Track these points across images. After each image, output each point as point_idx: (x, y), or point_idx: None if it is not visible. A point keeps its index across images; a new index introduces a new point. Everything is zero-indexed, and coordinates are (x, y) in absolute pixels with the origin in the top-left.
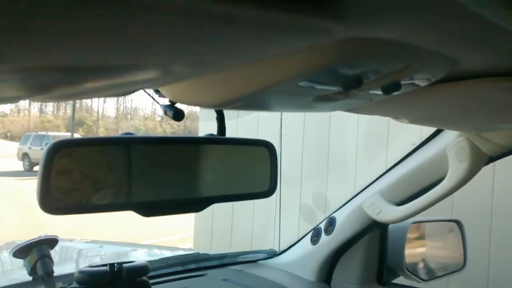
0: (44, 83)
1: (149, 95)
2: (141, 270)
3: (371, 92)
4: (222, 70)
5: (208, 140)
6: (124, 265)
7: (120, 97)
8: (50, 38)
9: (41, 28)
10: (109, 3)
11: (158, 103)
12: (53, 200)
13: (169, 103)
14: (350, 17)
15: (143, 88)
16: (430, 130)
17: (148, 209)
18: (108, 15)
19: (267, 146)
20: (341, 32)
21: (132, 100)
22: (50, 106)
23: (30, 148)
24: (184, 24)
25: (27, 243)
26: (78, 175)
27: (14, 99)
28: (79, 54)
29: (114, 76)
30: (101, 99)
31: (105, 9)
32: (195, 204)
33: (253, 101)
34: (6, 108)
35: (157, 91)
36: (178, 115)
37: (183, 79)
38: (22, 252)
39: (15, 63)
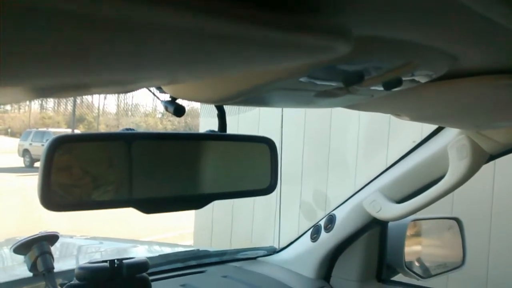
0: (46, 89)
1: (150, 91)
2: (141, 266)
3: (372, 88)
4: None
5: (209, 136)
6: (124, 261)
7: (120, 95)
8: (54, 61)
9: (44, 51)
10: (112, 26)
11: (159, 99)
12: (54, 196)
13: (170, 99)
14: (354, 32)
15: (145, 87)
16: (431, 128)
17: (149, 206)
18: (110, 37)
19: (268, 143)
20: (345, 50)
21: (133, 97)
22: (50, 103)
23: (31, 144)
24: (187, 44)
25: (27, 239)
26: (79, 171)
27: (14, 102)
28: (80, 73)
29: (115, 89)
30: (102, 96)
31: (108, 32)
32: (195, 201)
33: (254, 96)
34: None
35: (158, 87)
36: (179, 111)
37: (184, 81)
38: (22, 248)
39: (16, 83)
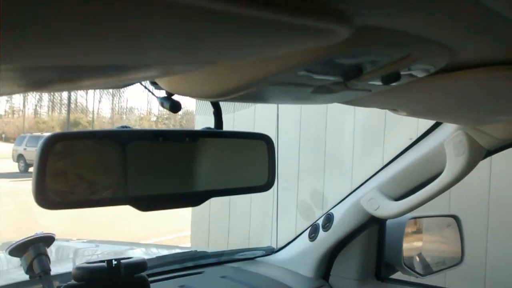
0: (41, 80)
1: (145, 87)
2: (139, 266)
3: (370, 82)
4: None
5: (206, 133)
6: (122, 261)
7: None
8: (48, 39)
9: (39, 29)
10: (107, 2)
11: (154, 95)
12: (49, 194)
13: (165, 95)
14: (353, 15)
15: (140, 81)
16: (427, 125)
17: (145, 203)
18: (106, 15)
19: (265, 139)
20: (345, 33)
21: (127, 100)
22: (45, 107)
23: (25, 149)
24: (185, 23)
25: (23, 241)
26: (73, 169)
27: (10, 93)
28: (76, 54)
29: (112, 75)
30: (96, 99)
31: (103, 9)
32: (192, 198)
33: (251, 92)
34: (0, 109)
35: (153, 83)
36: (174, 107)
37: (181, 74)
38: (18, 250)
39: (13, 62)
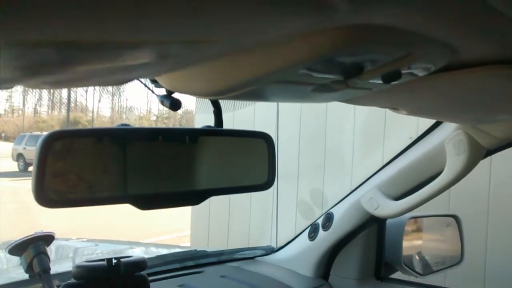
0: (38, 62)
1: (145, 85)
2: (139, 265)
3: (371, 81)
4: (220, 57)
5: (206, 131)
6: (122, 260)
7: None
8: (47, 10)
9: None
10: None
11: (154, 93)
12: (49, 193)
13: (165, 93)
14: (355, 18)
15: (139, 77)
16: (426, 124)
17: (145, 202)
18: None
19: (265, 138)
20: (346, 11)
21: (127, 99)
22: (44, 106)
23: (24, 148)
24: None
25: (23, 240)
26: (73, 167)
27: (7, 82)
28: (74, 27)
29: (110, 57)
30: (96, 98)
31: None
32: (192, 197)
33: (252, 90)
34: (0, 108)
35: (153, 81)
36: (175, 105)
37: (179, 67)
38: (18, 249)
39: (10, 35)
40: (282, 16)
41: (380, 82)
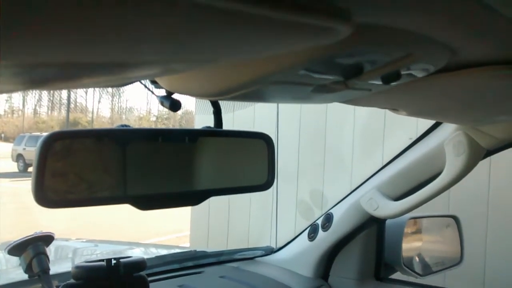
0: (41, 78)
1: (145, 86)
2: (138, 265)
3: (370, 82)
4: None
5: (206, 132)
6: (121, 260)
7: (114, 98)
8: (48, 35)
9: (39, 24)
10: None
11: (154, 94)
12: (48, 193)
13: (165, 94)
14: (354, 13)
15: (140, 80)
16: (426, 125)
17: (145, 202)
18: (105, 12)
19: (265, 139)
20: (346, 31)
21: (127, 101)
22: (44, 107)
23: (24, 149)
24: (185, 20)
25: (22, 240)
26: (73, 168)
27: (8, 92)
28: (75, 51)
29: (112, 73)
30: (96, 99)
31: (103, 6)
32: (192, 197)
33: (251, 91)
34: (0, 109)
35: (153, 82)
36: (175, 106)
37: (181, 72)
38: (17, 249)
39: (11, 59)
40: (280, 39)
41: (380, 83)
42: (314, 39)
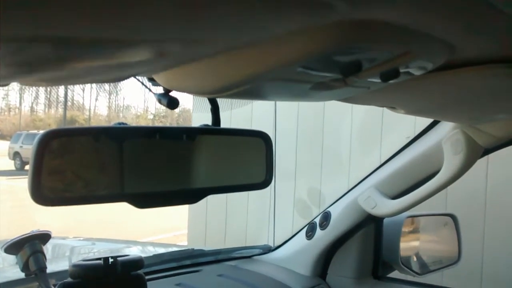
0: (34, 58)
1: (143, 83)
2: (136, 264)
3: (369, 79)
4: (217, 55)
5: (203, 130)
6: (118, 258)
7: (112, 95)
8: (43, 6)
9: None
10: None
11: (151, 91)
12: (45, 191)
13: (163, 92)
14: (354, 14)
15: (136, 74)
16: (423, 124)
17: (142, 200)
18: None
19: (263, 137)
20: (344, 10)
21: (124, 98)
22: (41, 105)
23: (21, 147)
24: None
25: (19, 238)
26: (70, 166)
27: (3, 79)
28: (71, 24)
29: (107, 54)
30: (93, 97)
31: None
32: (190, 196)
33: (250, 88)
34: None
35: (150, 79)
36: (172, 104)
37: (177, 64)
38: (14, 247)
39: (6, 30)
40: (277, 15)
41: (378, 80)
42: (311, 16)
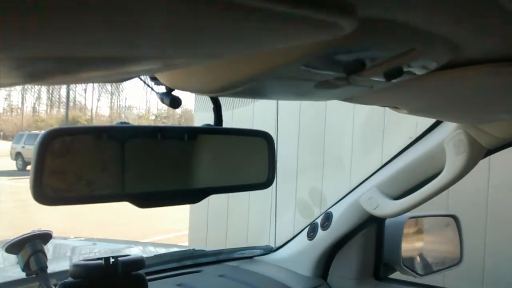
0: (39, 71)
1: (145, 82)
2: (137, 264)
3: (372, 78)
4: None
5: (205, 130)
6: (119, 258)
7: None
8: (47, 29)
9: (39, 19)
10: None
11: (154, 90)
12: (47, 190)
13: (165, 91)
14: (357, 7)
15: (139, 75)
16: (425, 124)
17: (144, 200)
18: (104, 7)
19: (265, 137)
20: (348, 26)
21: (126, 99)
22: (43, 105)
23: (23, 147)
24: (185, 15)
25: (20, 238)
26: (72, 165)
27: (8, 85)
28: (74, 45)
29: (110, 68)
30: (95, 97)
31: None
32: (191, 195)
33: (252, 86)
34: None
35: (153, 78)
36: (175, 103)
37: (181, 68)
38: (15, 247)
39: (10, 52)
40: (287, 37)
41: (382, 79)
42: (318, 34)
